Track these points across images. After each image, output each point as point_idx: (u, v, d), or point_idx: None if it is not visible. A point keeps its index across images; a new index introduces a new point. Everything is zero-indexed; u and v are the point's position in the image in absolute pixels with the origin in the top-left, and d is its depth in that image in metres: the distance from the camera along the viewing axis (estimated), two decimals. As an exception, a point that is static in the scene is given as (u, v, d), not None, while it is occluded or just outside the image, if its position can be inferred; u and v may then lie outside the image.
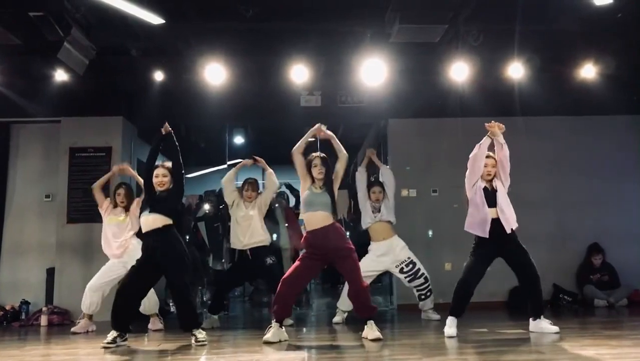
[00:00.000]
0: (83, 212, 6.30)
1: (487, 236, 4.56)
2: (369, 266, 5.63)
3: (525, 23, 5.55)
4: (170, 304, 6.89)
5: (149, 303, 5.61)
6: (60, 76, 6.31)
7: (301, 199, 4.71)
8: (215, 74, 6.27)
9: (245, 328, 5.97)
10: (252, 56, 6.40)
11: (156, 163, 4.80)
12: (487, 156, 4.75)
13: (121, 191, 5.81)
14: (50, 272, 6.71)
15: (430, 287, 5.81)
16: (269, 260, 5.68)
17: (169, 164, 4.79)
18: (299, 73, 6.34)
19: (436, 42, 5.70)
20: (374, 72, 6.26)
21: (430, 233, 6.94)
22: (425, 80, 6.89)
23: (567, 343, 4.09)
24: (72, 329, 5.60)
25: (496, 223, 4.59)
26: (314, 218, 4.56)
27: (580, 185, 7.11)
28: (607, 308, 6.56)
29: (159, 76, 6.45)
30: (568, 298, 6.81)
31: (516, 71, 6.46)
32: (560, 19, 5.68)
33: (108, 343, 4.47)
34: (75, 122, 6.98)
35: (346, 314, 5.78)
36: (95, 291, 5.60)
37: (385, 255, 5.81)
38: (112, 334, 4.51)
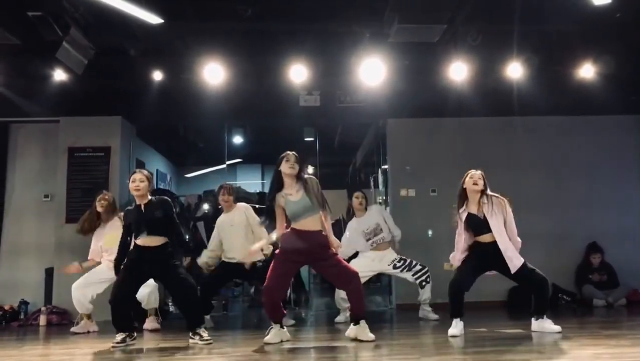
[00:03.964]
0: (82, 212, 6.25)
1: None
2: (364, 266, 5.57)
3: (523, 23, 5.56)
4: (169, 303, 6.90)
5: (151, 297, 5.63)
6: (59, 75, 6.32)
7: (288, 212, 4.41)
8: (213, 73, 6.28)
9: (243, 328, 5.97)
10: (251, 56, 6.40)
11: (134, 170, 4.80)
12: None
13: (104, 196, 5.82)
14: (49, 272, 6.71)
15: (429, 273, 5.82)
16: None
17: (146, 171, 4.77)
18: (298, 73, 6.35)
19: (435, 42, 5.71)
20: (372, 72, 6.27)
21: (429, 232, 6.93)
22: (424, 80, 6.89)
23: (565, 343, 4.09)
24: (72, 329, 5.58)
25: (489, 247, 4.60)
26: (306, 223, 4.38)
27: (578, 184, 7.12)
28: (606, 308, 6.56)
29: (157, 75, 6.46)
30: (567, 297, 6.82)
31: (515, 70, 6.46)
32: (558, 18, 5.69)
33: (117, 343, 4.46)
34: (74, 122, 6.99)
35: (348, 312, 5.78)
36: (79, 289, 5.49)
37: (378, 261, 5.84)
38: (121, 335, 4.51)
